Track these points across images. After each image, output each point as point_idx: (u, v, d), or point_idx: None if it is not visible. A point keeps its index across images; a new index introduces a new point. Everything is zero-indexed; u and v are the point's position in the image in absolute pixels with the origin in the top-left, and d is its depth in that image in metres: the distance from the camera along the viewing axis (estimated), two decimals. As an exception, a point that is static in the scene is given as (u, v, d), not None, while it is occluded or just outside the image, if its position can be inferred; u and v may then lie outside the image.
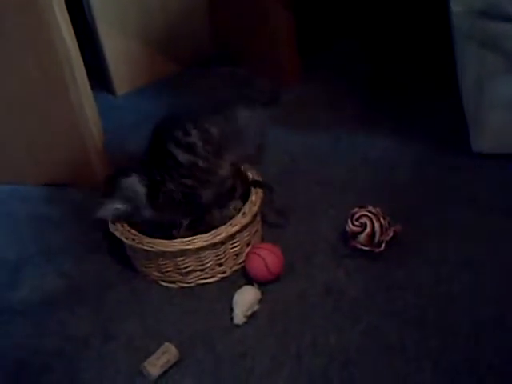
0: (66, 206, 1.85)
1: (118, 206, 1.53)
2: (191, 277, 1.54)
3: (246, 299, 1.45)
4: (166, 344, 1.38)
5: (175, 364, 1.37)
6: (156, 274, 1.55)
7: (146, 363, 1.36)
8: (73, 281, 1.61)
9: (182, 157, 1.51)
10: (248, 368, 1.35)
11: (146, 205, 1.52)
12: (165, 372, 1.36)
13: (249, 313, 1.44)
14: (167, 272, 1.53)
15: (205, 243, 1.48)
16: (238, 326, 1.43)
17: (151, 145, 1.56)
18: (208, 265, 1.52)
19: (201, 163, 1.51)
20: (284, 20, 2.09)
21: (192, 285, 1.55)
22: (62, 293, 1.59)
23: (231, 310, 1.45)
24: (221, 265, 1.54)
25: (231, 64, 2.30)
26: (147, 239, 1.50)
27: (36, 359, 1.44)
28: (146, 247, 1.49)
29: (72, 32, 1.66)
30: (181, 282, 1.54)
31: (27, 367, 1.42)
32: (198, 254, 1.50)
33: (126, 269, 1.61)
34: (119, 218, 1.54)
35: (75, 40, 1.68)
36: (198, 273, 1.53)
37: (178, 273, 1.53)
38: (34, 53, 1.70)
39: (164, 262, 1.52)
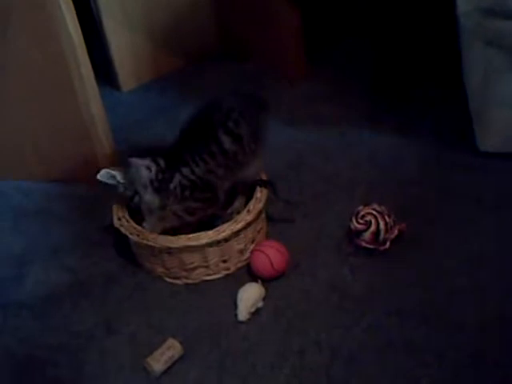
0: (72, 201, 1.85)
1: (118, 178, 1.53)
2: (196, 273, 1.54)
3: (250, 296, 1.45)
4: (170, 339, 1.39)
5: (179, 359, 1.38)
6: (161, 269, 1.56)
7: (149, 358, 1.36)
8: (77, 275, 1.62)
9: (229, 146, 1.50)
10: (251, 364, 1.36)
11: (150, 190, 1.52)
12: (168, 368, 1.36)
13: (253, 309, 1.44)
14: (172, 268, 1.54)
15: (209, 240, 1.48)
16: (241, 322, 1.44)
17: (193, 127, 1.54)
18: (212, 261, 1.53)
19: (240, 156, 1.52)
20: (291, 16, 2.08)
21: (196, 281, 1.55)
22: (66, 287, 1.60)
23: (235, 306, 1.45)
24: (225, 261, 1.54)
25: (237, 60, 2.30)
26: (152, 235, 1.51)
27: (40, 353, 1.45)
28: (150, 243, 1.49)
29: (78, 27, 1.66)
30: (185, 278, 1.55)
31: (32, 360, 1.43)
32: (203, 250, 1.50)
33: (131, 264, 1.61)
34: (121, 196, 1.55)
35: (81, 35, 1.68)
36: (203, 269, 1.54)
37: (182, 269, 1.53)
38: (40, 48, 1.70)
39: (168, 258, 1.52)
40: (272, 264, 1.50)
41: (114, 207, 1.58)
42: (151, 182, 1.51)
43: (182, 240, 1.49)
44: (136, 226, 1.54)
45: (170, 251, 1.50)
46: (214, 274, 1.55)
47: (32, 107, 1.81)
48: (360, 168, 1.83)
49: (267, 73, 2.21)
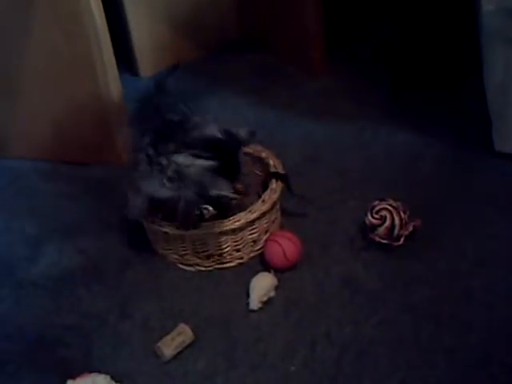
0: (88, 183, 1.86)
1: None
2: (209, 261, 1.55)
3: (262, 285, 1.45)
4: (182, 325, 1.39)
5: (189, 345, 1.38)
6: (174, 256, 1.56)
7: (160, 343, 1.37)
8: (91, 258, 1.63)
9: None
10: (261, 352, 1.36)
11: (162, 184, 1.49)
12: (179, 353, 1.37)
13: (264, 299, 1.45)
14: (186, 255, 1.54)
15: (224, 228, 1.49)
16: (253, 311, 1.44)
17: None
18: (226, 250, 1.53)
19: None
20: (313, 8, 2.08)
21: (210, 269, 1.55)
22: (79, 269, 1.61)
23: (247, 295, 1.46)
24: (238, 251, 1.55)
25: (257, 51, 2.30)
26: (167, 222, 1.51)
27: (52, 333, 1.46)
28: (165, 229, 1.50)
29: (101, 9, 1.67)
30: (199, 265, 1.55)
31: (43, 340, 1.44)
32: (217, 238, 1.51)
33: (145, 248, 1.61)
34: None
35: (104, 17, 1.69)
36: (216, 257, 1.54)
37: (196, 256, 1.54)
38: (62, 29, 1.70)
39: (183, 246, 1.53)
40: (285, 254, 1.50)
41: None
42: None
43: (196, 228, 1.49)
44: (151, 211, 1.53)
45: (183, 238, 1.51)
46: (228, 262, 1.55)
47: (52, 88, 1.81)
48: (376, 165, 1.82)
49: (287, 64, 2.21)
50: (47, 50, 1.75)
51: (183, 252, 1.54)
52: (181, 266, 1.57)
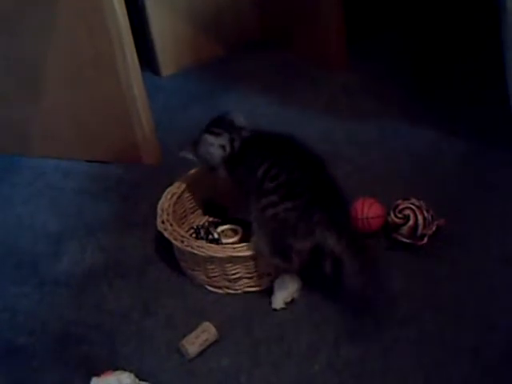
0: (110, 182, 1.87)
1: (190, 155, 1.56)
2: (239, 284, 1.49)
3: (286, 285, 1.45)
4: (206, 323, 1.39)
5: (213, 344, 1.38)
6: (202, 277, 1.51)
7: (184, 341, 1.37)
8: (114, 255, 1.64)
9: None
10: (285, 352, 1.36)
11: (221, 167, 1.53)
12: (202, 351, 1.37)
13: (288, 299, 1.44)
14: (214, 277, 1.49)
15: (254, 252, 1.44)
16: (276, 310, 1.44)
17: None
18: (256, 273, 1.48)
19: None
20: (334, 6, 2.08)
21: (239, 292, 1.50)
22: (102, 267, 1.61)
23: (271, 294, 1.46)
24: (270, 274, 1.49)
25: (277, 48, 2.30)
26: (197, 242, 1.47)
27: (76, 330, 1.46)
28: (194, 251, 1.45)
29: (124, 9, 1.68)
30: (228, 288, 1.50)
31: (67, 337, 1.45)
32: (247, 261, 1.46)
33: (167, 246, 1.61)
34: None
35: (127, 17, 1.70)
36: (246, 280, 1.49)
37: (225, 279, 1.49)
38: (85, 28, 1.72)
39: (211, 267, 1.48)
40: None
41: (159, 209, 1.55)
42: (223, 160, 1.52)
43: (227, 250, 1.45)
44: (180, 230, 1.51)
45: (213, 260, 1.46)
46: (258, 286, 1.49)
47: (75, 87, 1.83)
48: (397, 162, 1.82)
49: (307, 62, 2.21)
50: (71, 48, 1.76)
51: (211, 274, 1.49)
52: (209, 287, 1.51)
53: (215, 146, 1.52)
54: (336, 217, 1.37)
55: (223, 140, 1.52)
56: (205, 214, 1.70)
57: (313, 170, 1.43)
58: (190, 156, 1.56)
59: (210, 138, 1.53)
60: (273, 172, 1.40)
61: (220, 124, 1.55)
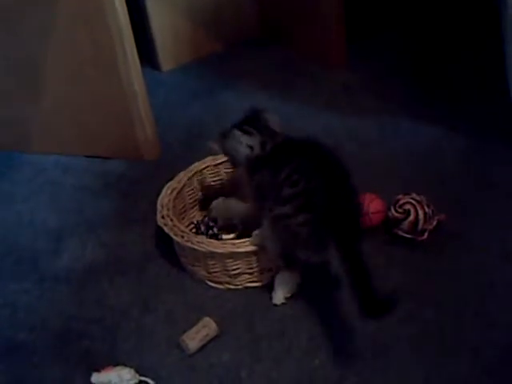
0: (110, 178, 1.87)
1: (215, 147, 1.52)
2: (239, 279, 1.49)
3: (287, 281, 1.45)
4: (206, 318, 1.39)
5: (213, 339, 1.38)
6: (203, 273, 1.51)
7: (184, 336, 1.37)
8: (114, 252, 1.64)
9: None
10: (285, 347, 1.36)
11: (242, 166, 1.49)
12: (203, 346, 1.37)
13: (289, 294, 1.45)
14: (214, 273, 1.50)
15: (255, 248, 1.44)
16: (277, 305, 1.44)
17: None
18: (257, 268, 1.48)
19: None
20: (334, 3, 2.08)
21: (239, 287, 1.50)
22: (102, 263, 1.61)
23: (272, 289, 1.46)
24: (271, 269, 1.49)
25: (277, 45, 2.30)
26: (197, 238, 1.47)
27: (76, 326, 1.46)
28: (194, 246, 1.45)
29: (125, 6, 1.68)
30: (228, 283, 1.50)
31: (67, 333, 1.45)
32: (249, 257, 1.46)
33: (167, 242, 1.61)
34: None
35: (127, 14, 1.70)
36: (246, 275, 1.49)
37: (225, 274, 1.49)
38: (86, 26, 1.72)
39: (212, 263, 1.48)
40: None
41: (159, 204, 1.55)
42: (247, 160, 1.49)
43: (227, 246, 1.45)
44: (180, 225, 1.50)
45: (213, 256, 1.46)
46: (259, 281, 1.49)
47: (75, 83, 1.82)
48: (397, 158, 1.82)
49: (307, 59, 2.21)
50: (71, 46, 1.76)
51: (212, 270, 1.49)
52: (209, 283, 1.51)
53: (243, 145, 1.48)
54: (345, 236, 1.33)
55: (253, 141, 1.48)
56: (201, 209, 1.69)
57: (333, 180, 1.39)
58: (216, 147, 1.53)
59: (239, 136, 1.49)
60: (294, 178, 1.37)
61: (254, 123, 1.50)
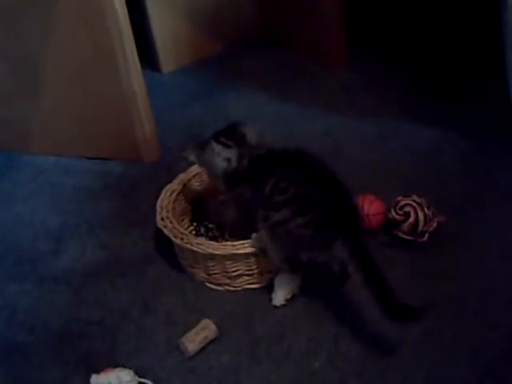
0: (110, 179, 1.87)
1: (191, 157, 1.51)
2: (239, 281, 1.49)
3: (287, 282, 1.44)
4: (205, 320, 1.39)
5: (213, 341, 1.38)
6: (202, 275, 1.51)
7: (184, 339, 1.37)
8: (114, 253, 1.64)
9: None
10: (285, 349, 1.36)
11: (220, 179, 1.48)
12: (202, 348, 1.37)
13: (289, 296, 1.44)
14: (214, 275, 1.49)
15: (255, 249, 1.44)
16: (277, 307, 1.44)
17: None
18: (257, 270, 1.48)
19: None
20: (334, 3, 2.07)
21: (239, 289, 1.50)
22: (102, 264, 1.61)
23: (271, 291, 1.45)
24: (270, 271, 1.49)
25: (277, 46, 2.30)
26: (197, 240, 1.47)
27: (76, 327, 1.46)
28: (194, 248, 1.44)
29: (125, 7, 1.68)
30: (228, 285, 1.50)
31: (67, 334, 1.45)
32: (248, 259, 1.46)
33: (167, 244, 1.61)
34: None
35: (127, 15, 1.70)
36: (246, 277, 1.49)
37: (225, 276, 1.49)
38: (86, 27, 1.72)
39: (212, 265, 1.48)
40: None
41: (158, 206, 1.54)
42: (224, 173, 1.47)
43: (227, 247, 1.45)
44: (179, 227, 1.50)
45: (213, 257, 1.46)
46: (258, 283, 1.50)
47: (75, 84, 1.82)
48: (398, 160, 1.82)
49: (307, 60, 2.21)
50: (71, 46, 1.76)
51: (211, 271, 1.49)
52: (209, 284, 1.51)
53: (220, 158, 1.46)
54: (350, 232, 1.34)
55: (230, 153, 1.45)
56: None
57: (323, 183, 1.38)
58: (192, 158, 1.52)
59: (217, 148, 1.46)
60: (281, 185, 1.36)
61: (231, 135, 1.47)
